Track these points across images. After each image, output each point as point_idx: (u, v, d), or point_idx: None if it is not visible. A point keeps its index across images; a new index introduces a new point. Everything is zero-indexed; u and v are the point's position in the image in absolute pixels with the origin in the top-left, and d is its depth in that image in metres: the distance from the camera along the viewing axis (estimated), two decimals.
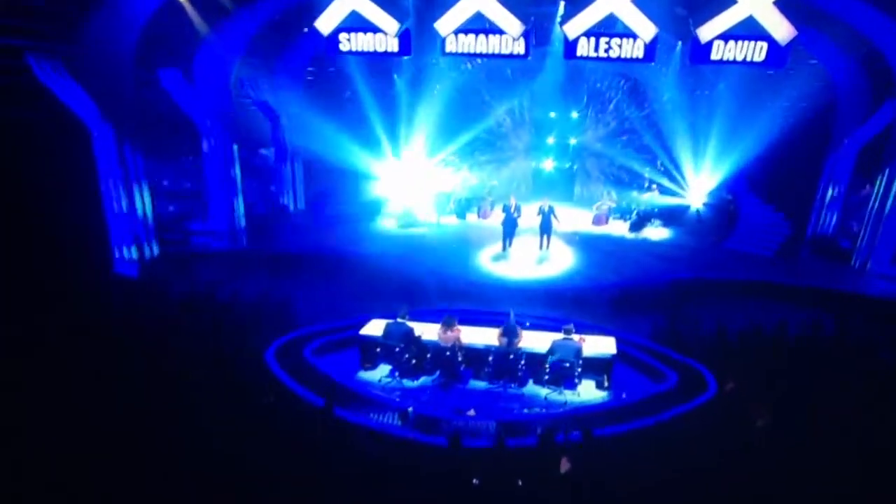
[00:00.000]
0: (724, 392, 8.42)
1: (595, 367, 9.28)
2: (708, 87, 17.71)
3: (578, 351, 8.87)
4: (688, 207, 18.15)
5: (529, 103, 19.76)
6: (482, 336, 9.56)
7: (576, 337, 8.96)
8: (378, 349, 9.43)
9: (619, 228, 17.17)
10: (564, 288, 12.83)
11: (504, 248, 14.92)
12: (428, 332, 9.47)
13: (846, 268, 14.38)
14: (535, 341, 9.33)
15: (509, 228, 14.79)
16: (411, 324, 9.33)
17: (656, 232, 16.97)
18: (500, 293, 12.37)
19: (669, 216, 17.58)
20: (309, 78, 17.43)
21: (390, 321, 9.36)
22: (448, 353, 9.09)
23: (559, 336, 9.01)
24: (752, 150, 16.63)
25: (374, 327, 9.78)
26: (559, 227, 14.94)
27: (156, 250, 13.79)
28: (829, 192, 15.52)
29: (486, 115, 19.34)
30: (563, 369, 8.91)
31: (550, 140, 20.07)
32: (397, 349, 9.13)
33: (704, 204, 17.87)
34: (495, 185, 19.60)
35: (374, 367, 9.73)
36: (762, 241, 15.83)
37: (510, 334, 9.10)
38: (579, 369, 9.00)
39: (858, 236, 14.24)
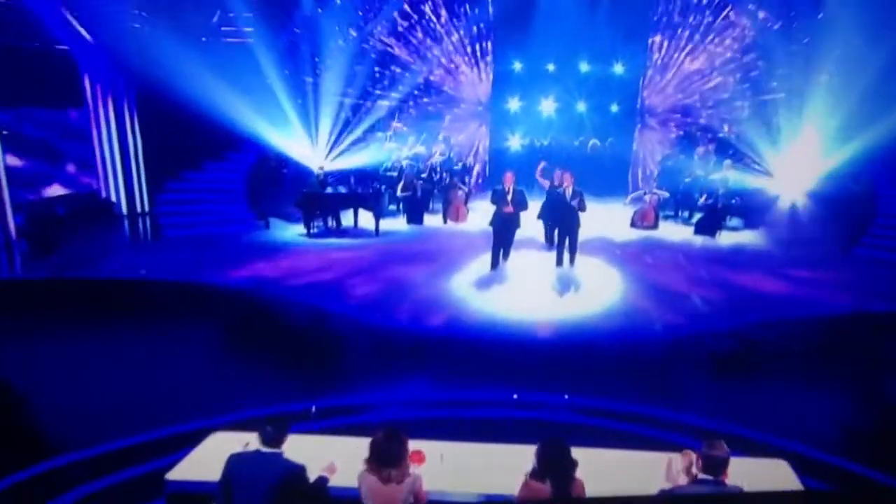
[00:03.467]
0: None
1: None
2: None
3: None
4: (778, 197, 15.00)
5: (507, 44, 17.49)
6: (473, 472, 4.78)
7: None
8: None
9: (674, 231, 14.62)
10: (618, 340, 8.81)
11: (495, 265, 11.12)
12: (343, 457, 4.55)
13: None
14: (608, 477, 4.64)
15: (504, 231, 11.01)
16: (298, 441, 4.56)
17: (737, 236, 14.26)
18: (495, 353, 8.38)
19: (754, 210, 14.72)
20: None
21: (247, 447, 4.41)
22: None
23: (679, 468, 4.41)
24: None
25: (207, 459, 4.83)
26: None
27: None
28: None
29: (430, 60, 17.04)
30: None
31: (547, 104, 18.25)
32: None
33: (809, 192, 14.66)
34: (469, 166, 16.72)
35: None
36: None
37: (555, 468, 4.24)
38: None
39: None
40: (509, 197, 10.75)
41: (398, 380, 7.81)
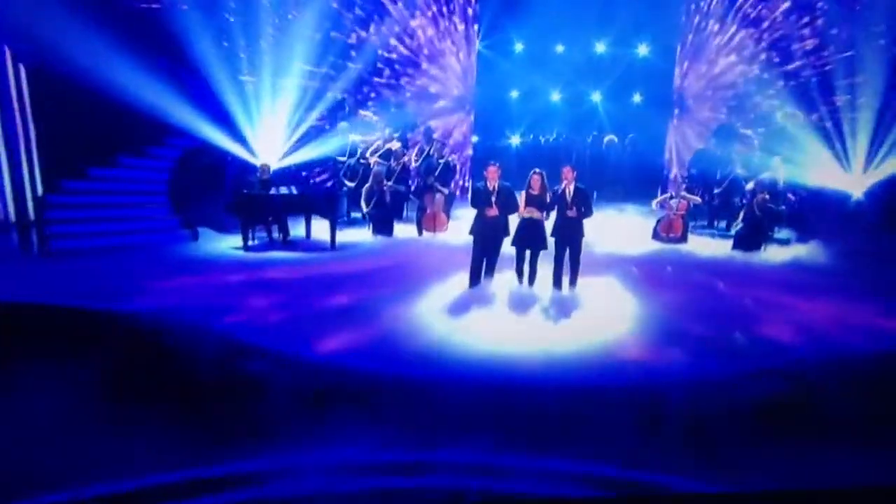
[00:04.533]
0: None
1: None
2: None
3: None
4: (843, 201, 14.47)
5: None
6: None
7: None
8: None
9: (708, 245, 13.99)
10: (632, 386, 7.90)
11: (475, 282, 10.31)
12: None
13: None
14: None
15: (487, 239, 10.16)
16: None
17: (788, 251, 13.41)
18: (467, 401, 7.50)
19: (810, 218, 14.37)
20: None
21: None
22: None
23: None
24: None
25: None
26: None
27: None
28: None
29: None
30: None
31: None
32: None
33: (883, 195, 14.17)
34: (453, 164, 15.68)
35: None
36: None
37: None
38: None
39: None
40: (493, 197, 9.89)
41: (334, 437, 7.04)
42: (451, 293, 10.21)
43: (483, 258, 10.14)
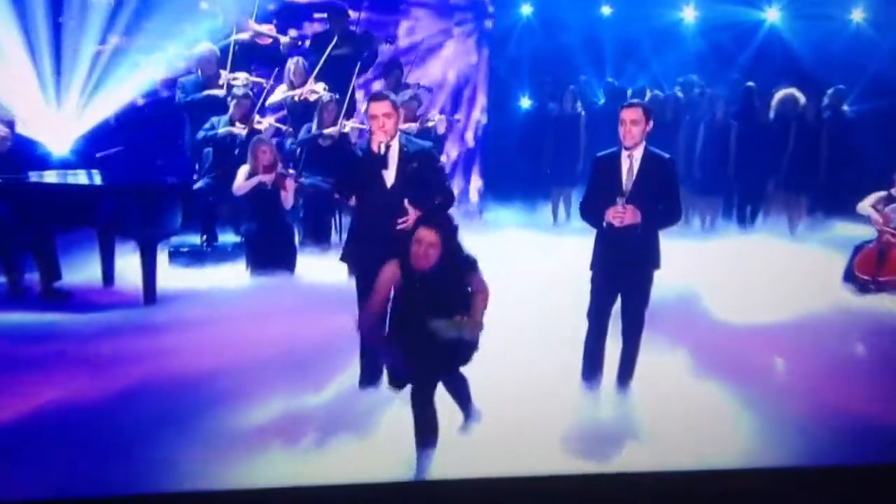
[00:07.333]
0: None
1: None
2: None
3: None
4: None
5: None
6: None
7: None
8: None
9: None
10: None
11: (370, 377, 8.71)
12: None
13: None
14: None
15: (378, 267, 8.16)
16: None
17: None
18: None
19: None
20: None
21: None
22: None
23: None
24: None
25: None
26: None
27: None
28: None
29: None
30: None
31: None
32: None
33: None
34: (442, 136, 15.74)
35: None
36: None
37: None
38: None
39: None
40: (391, 167, 7.82)
41: None
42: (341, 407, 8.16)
43: (382, 317, 7.71)
